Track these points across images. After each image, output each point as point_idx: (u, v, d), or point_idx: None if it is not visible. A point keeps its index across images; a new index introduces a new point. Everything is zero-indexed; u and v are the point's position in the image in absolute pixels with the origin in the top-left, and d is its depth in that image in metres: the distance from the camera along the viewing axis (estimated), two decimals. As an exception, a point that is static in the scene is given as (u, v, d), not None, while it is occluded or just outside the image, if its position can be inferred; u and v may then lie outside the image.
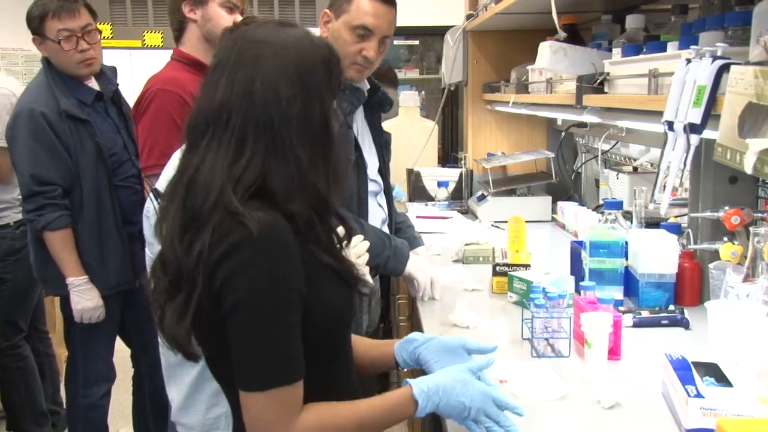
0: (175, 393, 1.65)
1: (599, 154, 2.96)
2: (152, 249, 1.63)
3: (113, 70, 2.75)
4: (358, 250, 1.67)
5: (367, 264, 1.67)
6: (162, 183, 1.57)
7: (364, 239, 1.72)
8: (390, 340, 1.41)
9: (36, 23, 2.49)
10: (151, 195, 1.57)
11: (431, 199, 3.64)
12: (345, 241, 1.26)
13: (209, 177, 1.10)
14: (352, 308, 1.27)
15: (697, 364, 1.31)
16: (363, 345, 1.39)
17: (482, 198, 3.35)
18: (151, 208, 1.62)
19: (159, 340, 1.63)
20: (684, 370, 1.29)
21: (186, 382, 1.61)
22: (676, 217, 2.16)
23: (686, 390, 1.22)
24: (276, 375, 1.08)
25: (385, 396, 1.18)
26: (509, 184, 3.36)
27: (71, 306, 2.52)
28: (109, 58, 5.44)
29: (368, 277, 1.57)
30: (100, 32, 2.59)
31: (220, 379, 1.23)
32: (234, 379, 1.12)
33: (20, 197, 2.67)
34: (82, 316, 2.53)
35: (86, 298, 2.51)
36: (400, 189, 3.63)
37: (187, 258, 1.09)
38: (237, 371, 1.09)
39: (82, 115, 2.50)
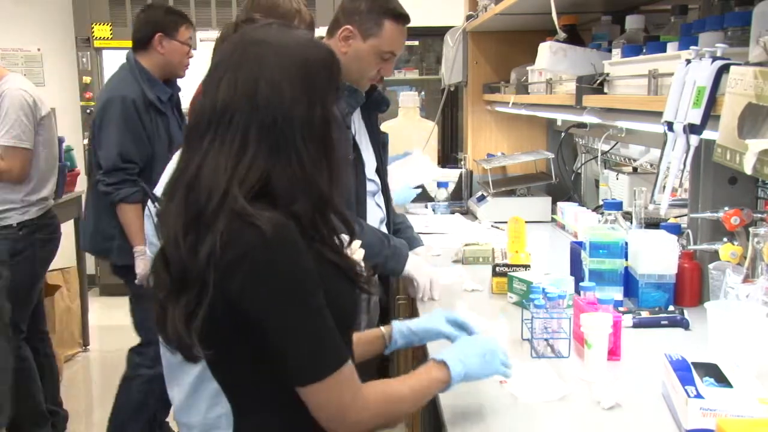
0: (175, 393, 1.66)
1: (599, 154, 2.95)
2: (152, 249, 1.63)
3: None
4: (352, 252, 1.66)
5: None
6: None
7: (362, 241, 1.72)
8: (375, 330, 1.48)
9: (172, 24, 2.88)
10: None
11: (431, 199, 3.63)
12: (348, 241, 1.26)
13: (212, 177, 1.09)
14: (357, 307, 1.29)
15: (696, 365, 1.31)
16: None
17: (482, 199, 3.34)
18: (152, 208, 1.62)
19: (159, 339, 1.65)
20: (684, 370, 1.29)
21: (187, 382, 1.62)
22: (675, 217, 2.16)
23: (686, 390, 1.21)
24: (329, 362, 1.10)
25: (419, 372, 1.26)
26: (509, 185, 3.35)
27: (136, 271, 2.74)
28: (109, 58, 5.50)
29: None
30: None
31: (222, 378, 1.23)
32: (238, 380, 1.14)
33: (27, 198, 2.99)
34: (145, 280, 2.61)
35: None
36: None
37: (193, 259, 1.08)
38: (289, 370, 1.10)
39: (162, 108, 2.86)
